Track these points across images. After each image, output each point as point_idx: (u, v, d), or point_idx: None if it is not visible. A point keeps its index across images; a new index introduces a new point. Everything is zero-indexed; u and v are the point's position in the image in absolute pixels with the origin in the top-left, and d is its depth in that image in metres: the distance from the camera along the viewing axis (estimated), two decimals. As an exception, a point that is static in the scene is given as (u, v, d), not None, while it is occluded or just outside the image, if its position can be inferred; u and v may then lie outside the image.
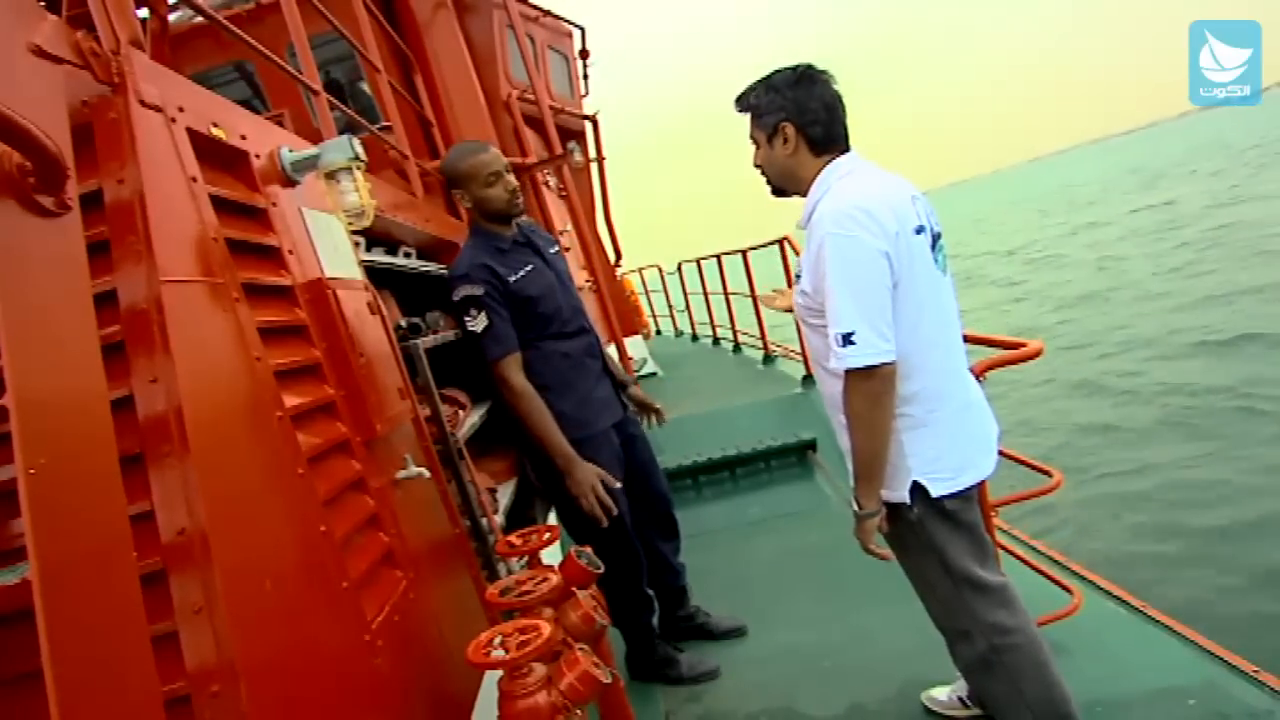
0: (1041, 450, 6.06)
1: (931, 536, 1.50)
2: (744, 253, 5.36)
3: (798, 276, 1.54)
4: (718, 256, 6.48)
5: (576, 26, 6.56)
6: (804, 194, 1.52)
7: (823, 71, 1.50)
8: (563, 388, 2.07)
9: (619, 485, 2.07)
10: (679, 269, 8.59)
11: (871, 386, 1.39)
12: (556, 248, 2.24)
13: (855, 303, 1.36)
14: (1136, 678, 1.89)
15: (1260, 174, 21.09)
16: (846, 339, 1.36)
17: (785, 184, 1.57)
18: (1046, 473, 2.11)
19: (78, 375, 0.78)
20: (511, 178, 2.07)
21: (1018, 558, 2.25)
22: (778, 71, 1.52)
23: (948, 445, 1.48)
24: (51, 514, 0.68)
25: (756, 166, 1.60)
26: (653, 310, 10.69)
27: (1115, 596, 2.25)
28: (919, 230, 1.43)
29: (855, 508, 1.51)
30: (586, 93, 6.95)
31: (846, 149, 1.51)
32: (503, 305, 2.00)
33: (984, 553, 1.55)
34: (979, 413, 1.55)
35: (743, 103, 1.56)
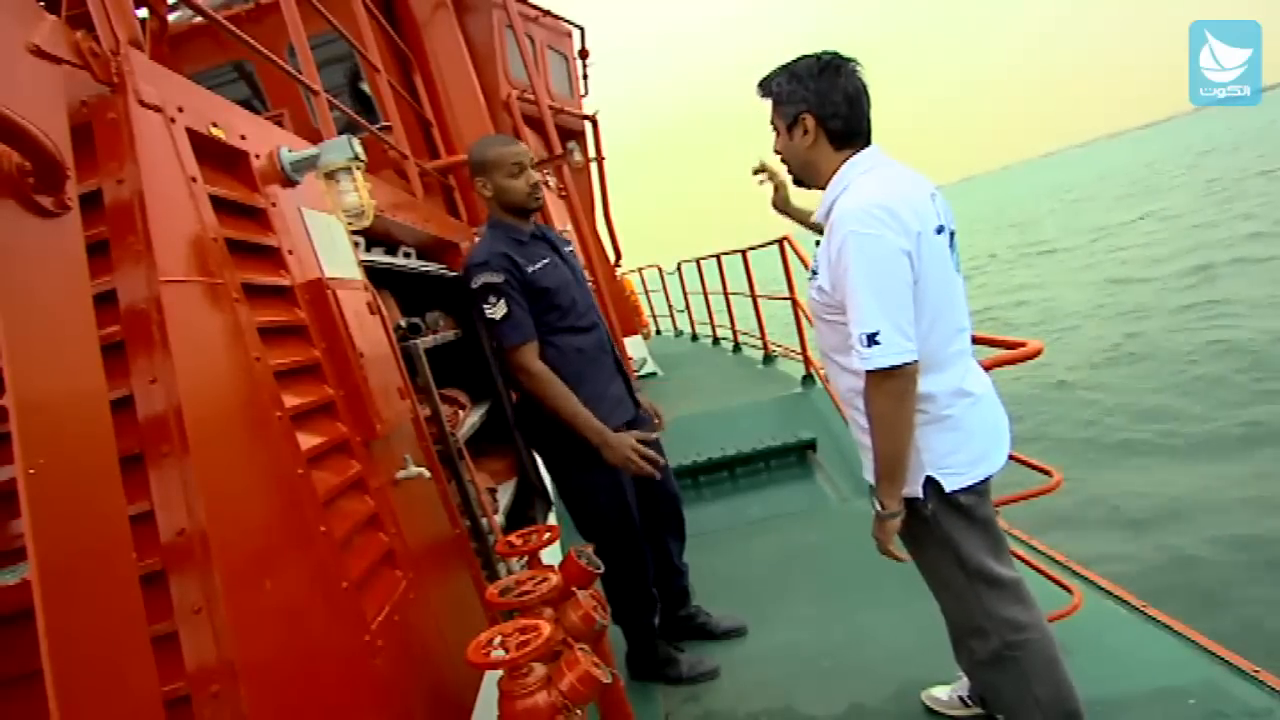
0: (1036, 451, 6.06)
1: (946, 531, 1.50)
2: (744, 253, 5.36)
3: (813, 273, 1.52)
4: (717, 256, 6.48)
5: (576, 26, 6.56)
6: (822, 187, 1.50)
7: (849, 60, 1.45)
8: (577, 382, 2.05)
9: (656, 436, 2.06)
10: (679, 269, 8.58)
11: (895, 386, 1.37)
12: (571, 247, 2.24)
13: (879, 302, 1.34)
14: (1136, 677, 1.89)
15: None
16: (871, 339, 1.34)
17: (803, 175, 1.55)
18: (1047, 472, 2.11)
19: (77, 375, 0.77)
20: (534, 173, 2.08)
21: (1018, 557, 2.24)
22: (802, 58, 1.48)
23: (962, 440, 1.47)
24: (51, 514, 0.68)
25: (776, 153, 1.58)
26: (652, 310, 10.68)
27: (1115, 596, 2.25)
28: (939, 230, 1.41)
29: (878, 507, 1.50)
30: (586, 92, 6.95)
31: (868, 143, 1.48)
32: (521, 294, 2.00)
33: (998, 547, 1.54)
34: (991, 405, 1.54)
35: (764, 88, 1.53)
